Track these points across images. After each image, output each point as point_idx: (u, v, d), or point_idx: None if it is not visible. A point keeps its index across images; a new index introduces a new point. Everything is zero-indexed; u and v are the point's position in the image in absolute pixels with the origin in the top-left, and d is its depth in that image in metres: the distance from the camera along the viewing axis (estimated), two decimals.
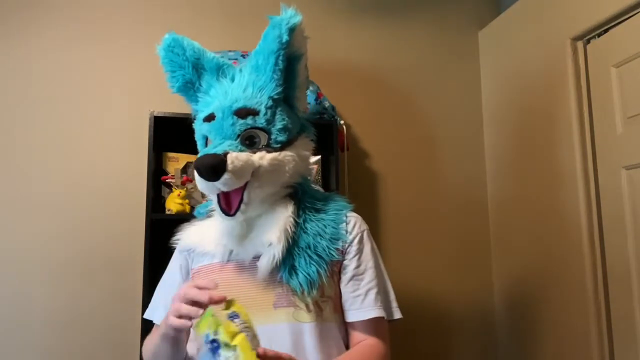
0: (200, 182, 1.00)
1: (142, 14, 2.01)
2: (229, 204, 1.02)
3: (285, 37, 1.03)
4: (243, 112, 1.04)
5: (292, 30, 1.03)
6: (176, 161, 1.77)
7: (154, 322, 1.17)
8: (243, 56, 1.75)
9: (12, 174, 1.85)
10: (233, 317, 0.85)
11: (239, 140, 1.03)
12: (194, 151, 1.78)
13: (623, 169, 1.57)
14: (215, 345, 0.85)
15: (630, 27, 1.56)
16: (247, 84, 1.07)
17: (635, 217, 1.53)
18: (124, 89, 1.96)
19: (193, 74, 1.11)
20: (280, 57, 1.04)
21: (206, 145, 1.10)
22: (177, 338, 1.01)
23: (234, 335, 0.83)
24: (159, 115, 1.67)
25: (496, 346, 2.12)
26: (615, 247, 1.60)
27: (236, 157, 0.98)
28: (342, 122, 1.92)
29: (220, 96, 1.08)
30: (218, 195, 1.02)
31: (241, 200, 1.01)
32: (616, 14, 1.58)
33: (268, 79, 1.07)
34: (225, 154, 0.97)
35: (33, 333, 1.78)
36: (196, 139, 1.15)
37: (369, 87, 2.17)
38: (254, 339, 0.85)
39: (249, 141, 1.04)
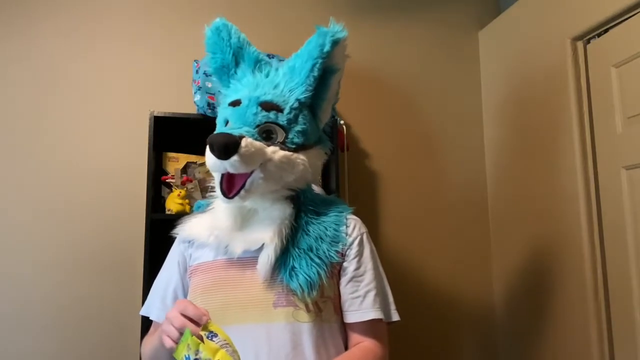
0: (209, 158, 1.01)
1: (142, 13, 2.01)
2: (230, 187, 1.03)
3: (327, 47, 1.07)
4: (268, 106, 1.06)
5: (335, 42, 1.08)
6: (176, 161, 1.77)
7: (150, 318, 1.16)
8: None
9: (11, 174, 1.85)
10: (212, 336, 0.86)
11: (256, 130, 1.05)
12: (194, 151, 1.79)
13: (623, 169, 1.57)
14: None
15: (630, 27, 1.56)
16: (279, 82, 1.11)
17: (635, 217, 1.53)
18: (124, 89, 1.96)
19: (232, 60, 1.15)
20: (317, 65, 1.08)
21: None
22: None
23: (215, 351, 0.84)
24: (159, 115, 1.67)
25: (496, 346, 2.12)
26: (615, 247, 1.60)
27: (250, 142, 1.00)
28: (342, 122, 1.92)
29: (251, 86, 1.11)
30: (222, 177, 1.04)
31: (243, 186, 1.02)
32: (616, 14, 1.57)
33: (300, 82, 1.10)
34: (241, 137, 0.99)
35: (32, 334, 1.78)
36: (217, 121, 1.16)
37: (369, 87, 2.17)
38: (234, 353, 0.86)
39: (265, 134, 1.06)
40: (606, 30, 1.65)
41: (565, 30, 1.76)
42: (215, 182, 1.06)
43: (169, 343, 0.91)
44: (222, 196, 1.04)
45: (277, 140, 1.06)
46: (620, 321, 1.57)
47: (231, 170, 1.00)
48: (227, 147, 0.97)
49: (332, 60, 1.10)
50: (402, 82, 2.21)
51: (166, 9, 2.03)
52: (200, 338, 0.86)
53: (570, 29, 1.74)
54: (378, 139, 2.14)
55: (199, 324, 0.88)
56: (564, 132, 1.76)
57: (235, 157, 0.97)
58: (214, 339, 0.86)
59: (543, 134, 1.87)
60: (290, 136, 1.07)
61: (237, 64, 1.15)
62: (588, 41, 1.73)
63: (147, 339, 1.15)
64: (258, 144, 1.01)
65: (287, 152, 1.06)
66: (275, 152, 1.04)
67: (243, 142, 0.98)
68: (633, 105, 1.55)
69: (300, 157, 1.08)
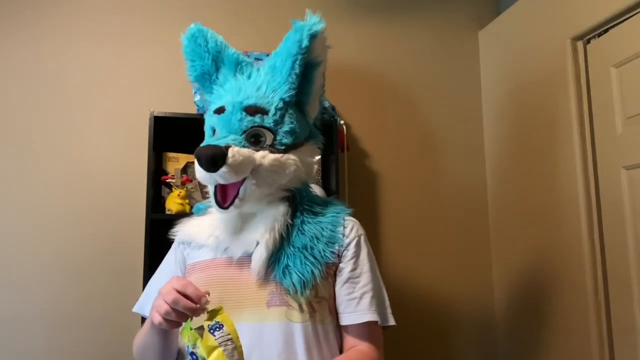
0: (199, 171, 1.01)
1: (142, 14, 2.01)
2: (224, 197, 1.03)
3: (305, 42, 1.04)
4: (252, 110, 1.05)
5: (313, 36, 1.05)
6: (176, 161, 1.77)
7: (145, 316, 1.14)
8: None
9: (11, 174, 1.85)
10: (215, 328, 0.84)
11: (244, 136, 1.04)
12: (194, 151, 1.79)
13: (623, 169, 1.57)
14: (194, 358, 0.86)
15: (630, 27, 1.56)
16: (261, 83, 1.09)
17: (635, 217, 1.53)
18: (124, 89, 1.96)
19: (212, 65, 1.13)
20: (298, 62, 1.06)
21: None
22: (166, 331, 0.97)
23: (211, 350, 0.83)
24: (159, 115, 1.67)
25: (496, 347, 2.11)
26: (615, 247, 1.60)
27: (237, 151, 0.99)
28: (342, 122, 1.92)
29: (234, 91, 1.09)
30: (216, 187, 1.03)
31: (236, 195, 1.01)
32: (616, 14, 1.58)
33: (282, 81, 1.08)
34: (227, 147, 0.98)
35: (31, 334, 1.78)
36: (204, 129, 1.15)
37: (369, 87, 2.17)
38: (234, 351, 0.84)
39: (254, 139, 1.05)
40: (606, 30, 1.65)
41: (565, 30, 1.75)
42: (210, 193, 1.05)
43: (157, 319, 0.89)
44: (217, 207, 1.03)
45: (266, 143, 1.05)
46: (620, 321, 1.57)
47: (221, 182, 0.99)
48: (214, 159, 0.96)
49: (312, 55, 1.08)
50: (402, 82, 2.21)
51: (166, 8, 2.03)
52: (202, 330, 0.85)
53: (570, 29, 1.74)
54: (378, 139, 2.14)
55: (197, 304, 0.87)
56: (564, 132, 1.76)
57: (223, 169, 0.96)
58: (215, 332, 0.84)
59: (543, 134, 1.87)
60: (278, 137, 1.06)
61: (217, 69, 1.14)
62: (588, 41, 1.73)
63: (139, 333, 1.12)
64: (246, 151, 1.00)
65: (277, 155, 1.04)
66: (264, 157, 1.03)
67: (230, 153, 0.97)
68: (633, 105, 1.55)
69: (291, 158, 1.07)
